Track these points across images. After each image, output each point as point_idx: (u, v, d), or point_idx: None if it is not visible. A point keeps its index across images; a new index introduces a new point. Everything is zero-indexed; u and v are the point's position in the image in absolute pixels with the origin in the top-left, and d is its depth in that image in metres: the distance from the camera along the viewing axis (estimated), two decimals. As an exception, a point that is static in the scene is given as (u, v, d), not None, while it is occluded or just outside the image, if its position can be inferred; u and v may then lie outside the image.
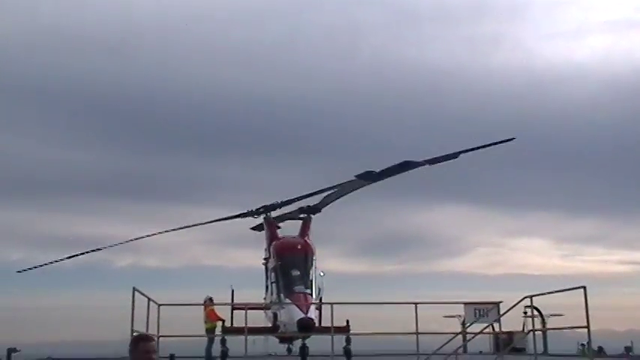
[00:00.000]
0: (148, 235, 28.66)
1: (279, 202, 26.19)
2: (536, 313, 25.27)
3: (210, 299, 23.68)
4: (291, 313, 21.22)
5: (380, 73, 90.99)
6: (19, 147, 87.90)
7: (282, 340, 24.87)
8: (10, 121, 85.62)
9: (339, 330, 20.91)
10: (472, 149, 21.99)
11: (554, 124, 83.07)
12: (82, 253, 29.05)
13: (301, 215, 26.57)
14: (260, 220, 27.19)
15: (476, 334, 18.92)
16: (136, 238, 28.74)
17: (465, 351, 22.05)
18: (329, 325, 18.91)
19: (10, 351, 29.15)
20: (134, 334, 5.95)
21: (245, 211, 26.88)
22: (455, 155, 21.71)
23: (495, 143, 22.26)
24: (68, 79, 75.46)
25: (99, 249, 28.77)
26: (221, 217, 27.81)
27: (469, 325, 18.57)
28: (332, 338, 18.39)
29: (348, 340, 22.46)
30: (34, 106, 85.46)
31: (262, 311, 25.70)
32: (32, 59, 79.07)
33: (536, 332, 20.61)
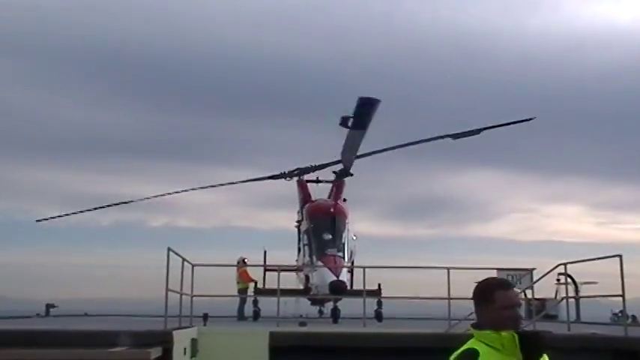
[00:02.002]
0: (177, 192, 29.14)
1: (313, 165, 26.25)
2: (569, 280, 25.03)
3: (244, 260, 23.93)
4: (323, 276, 21.37)
5: (414, 36, 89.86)
6: (55, 109, 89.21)
7: (314, 302, 25.13)
8: (47, 82, 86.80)
9: (371, 293, 20.99)
10: (494, 127, 23.03)
11: (593, 88, 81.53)
12: (109, 205, 29.97)
13: (334, 179, 26.62)
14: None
15: (508, 300, 18.83)
16: (168, 194, 29.31)
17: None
18: (361, 288, 18.96)
19: (49, 307, 29.89)
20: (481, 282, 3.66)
21: (278, 173, 26.99)
22: (477, 132, 22.68)
23: (515, 122, 23.27)
24: (105, 41, 75.92)
25: (126, 202, 29.53)
26: (254, 177, 28.01)
27: (501, 291, 18.51)
28: (364, 301, 18.46)
29: (379, 304, 22.58)
30: (69, 68, 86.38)
31: (294, 273, 25.94)
32: (71, 22, 79.68)
33: (569, 300, 20.45)
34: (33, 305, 32.56)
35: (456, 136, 22.64)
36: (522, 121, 23.20)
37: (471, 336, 3.76)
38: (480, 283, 3.94)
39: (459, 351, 3.69)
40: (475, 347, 3.64)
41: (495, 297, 3.68)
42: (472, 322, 3.85)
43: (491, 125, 22.97)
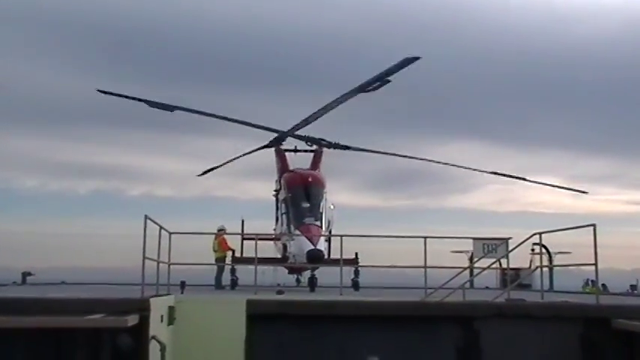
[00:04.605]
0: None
1: (287, 130, 25.61)
2: (543, 250, 25.42)
3: (224, 229, 23.96)
4: (301, 245, 21.42)
5: (395, 5, 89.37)
6: (37, 77, 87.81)
7: (292, 270, 25.22)
8: (28, 50, 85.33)
9: (348, 262, 21.11)
10: None
11: (573, 61, 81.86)
12: None
13: (312, 147, 26.55)
14: None
15: (483, 269, 18.99)
16: None
17: (471, 286, 22.25)
18: (338, 257, 19.07)
19: (25, 275, 29.76)
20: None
21: (259, 147, 26.89)
22: None
23: None
24: (82, 8, 74.57)
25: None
26: (238, 154, 27.84)
27: (477, 261, 18.66)
28: (341, 270, 18.57)
29: (356, 273, 22.74)
30: (52, 36, 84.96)
31: (272, 242, 25.99)
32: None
33: (543, 269, 20.73)
34: (9, 273, 32.36)
35: None
36: None
37: None
38: None
39: None
40: None
41: None
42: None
43: None
